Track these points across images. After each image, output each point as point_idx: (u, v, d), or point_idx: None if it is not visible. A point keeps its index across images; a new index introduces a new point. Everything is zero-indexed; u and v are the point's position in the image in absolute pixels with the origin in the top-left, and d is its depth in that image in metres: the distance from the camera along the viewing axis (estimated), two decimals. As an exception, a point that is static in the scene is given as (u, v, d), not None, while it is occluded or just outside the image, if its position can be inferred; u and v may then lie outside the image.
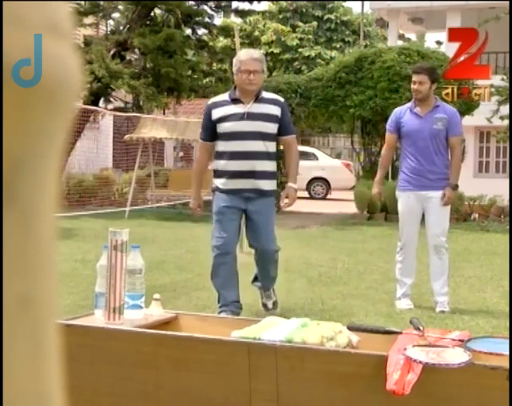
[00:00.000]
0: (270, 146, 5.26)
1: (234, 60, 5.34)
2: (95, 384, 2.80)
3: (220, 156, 5.27)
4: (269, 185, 5.25)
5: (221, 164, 5.26)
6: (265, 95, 5.37)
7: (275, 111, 5.26)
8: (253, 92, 5.24)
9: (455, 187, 6.21)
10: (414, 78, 6.26)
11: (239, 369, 2.60)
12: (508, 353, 2.42)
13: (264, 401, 2.59)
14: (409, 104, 6.37)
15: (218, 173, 5.31)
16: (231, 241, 5.23)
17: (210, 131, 5.28)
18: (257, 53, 5.43)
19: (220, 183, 5.28)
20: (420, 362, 2.37)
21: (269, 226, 5.28)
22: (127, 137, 16.23)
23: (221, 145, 5.25)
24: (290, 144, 5.41)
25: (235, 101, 5.26)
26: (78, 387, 2.68)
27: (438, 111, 6.20)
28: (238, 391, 2.61)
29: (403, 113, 6.29)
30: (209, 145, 5.33)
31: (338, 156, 29.34)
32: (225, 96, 5.36)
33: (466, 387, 2.36)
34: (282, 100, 5.45)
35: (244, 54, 5.34)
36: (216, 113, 5.23)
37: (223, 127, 5.21)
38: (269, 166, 5.26)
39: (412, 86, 6.27)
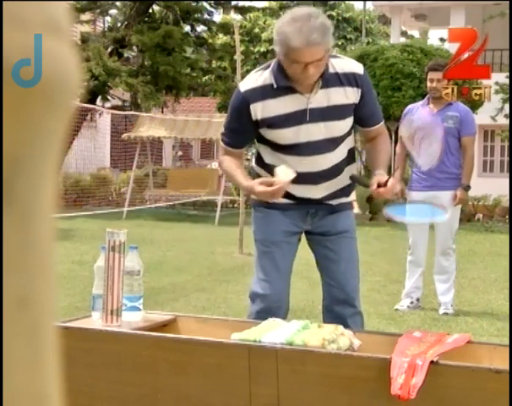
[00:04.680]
0: (348, 144, 3.36)
1: (277, 35, 3.12)
2: (92, 387, 2.78)
3: (269, 166, 3.31)
4: (348, 198, 3.44)
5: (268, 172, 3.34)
6: (335, 68, 3.20)
7: (352, 95, 3.22)
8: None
9: (467, 188, 6.08)
10: (431, 75, 6.04)
11: (239, 372, 2.57)
12: None
13: (264, 405, 2.56)
14: (422, 101, 6.23)
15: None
16: (285, 287, 3.36)
17: (245, 136, 3.35)
18: (314, 32, 3.01)
19: None
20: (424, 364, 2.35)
21: (352, 257, 3.39)
22: (124, 136, 16.20)
23: (269, 156, 3.33)
24: (378, 134, 3.38)
25: (287, 89, 3.18)
26: (75, 391, 2.65)
27: (450, 109, 6.04)
28: (238, 394, 2.58)
29: (415, 110, 6.12)
30: (240, 152, 3.41)
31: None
32: (265, 77, 3.20)
33: (471, 391, 2.34)
34: (361, 70, 3.27)
35: (295, 38, 3.02)
36: (260, 110, 3.20)
37: (274, 135, 3.24)
38: (350, 173, 3.40)
39: (429, 84, 6.04)
